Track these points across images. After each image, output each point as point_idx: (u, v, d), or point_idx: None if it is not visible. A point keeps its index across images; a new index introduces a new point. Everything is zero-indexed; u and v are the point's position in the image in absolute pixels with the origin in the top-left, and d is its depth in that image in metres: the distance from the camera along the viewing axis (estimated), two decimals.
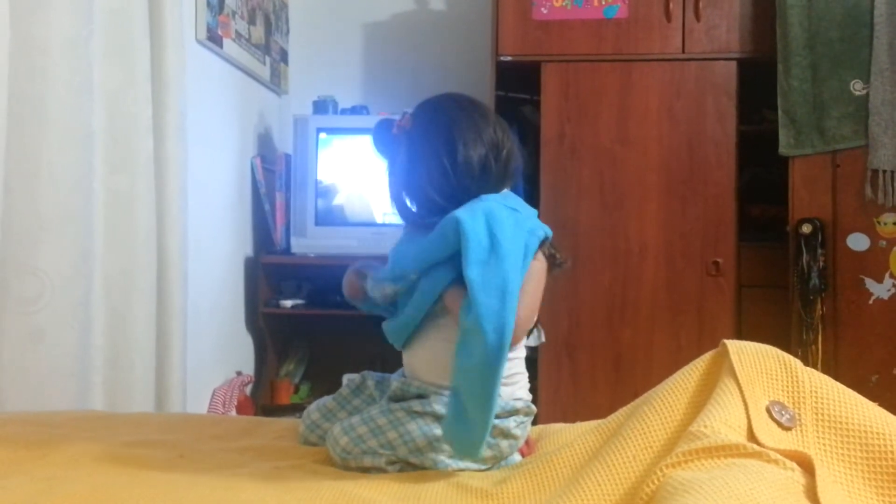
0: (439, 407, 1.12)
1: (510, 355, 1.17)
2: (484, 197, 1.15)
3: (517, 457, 1.21)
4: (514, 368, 1.19)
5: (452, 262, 1.11)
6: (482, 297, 1.02)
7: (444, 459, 1.12)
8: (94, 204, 1.77)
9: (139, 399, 1.88)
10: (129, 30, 1.87)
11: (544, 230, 1.18)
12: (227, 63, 2.59)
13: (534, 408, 1.21)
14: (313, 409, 1.26)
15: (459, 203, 1.14)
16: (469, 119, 1.19)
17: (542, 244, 1.16)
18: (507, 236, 1.08)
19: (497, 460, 1.16)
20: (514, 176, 1.22)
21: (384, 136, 1.24)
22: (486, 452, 1.13)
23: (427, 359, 1.18)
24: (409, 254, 1.18)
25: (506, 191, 1.21)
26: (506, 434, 1.15)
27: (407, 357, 1.22)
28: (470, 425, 1.04)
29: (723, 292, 2.50)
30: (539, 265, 1.15)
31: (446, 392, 1.14)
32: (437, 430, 1.11)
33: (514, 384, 1.19)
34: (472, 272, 1.05)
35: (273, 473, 1.07)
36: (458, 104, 1.22)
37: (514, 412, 1.16)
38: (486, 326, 1.01)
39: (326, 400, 1.27)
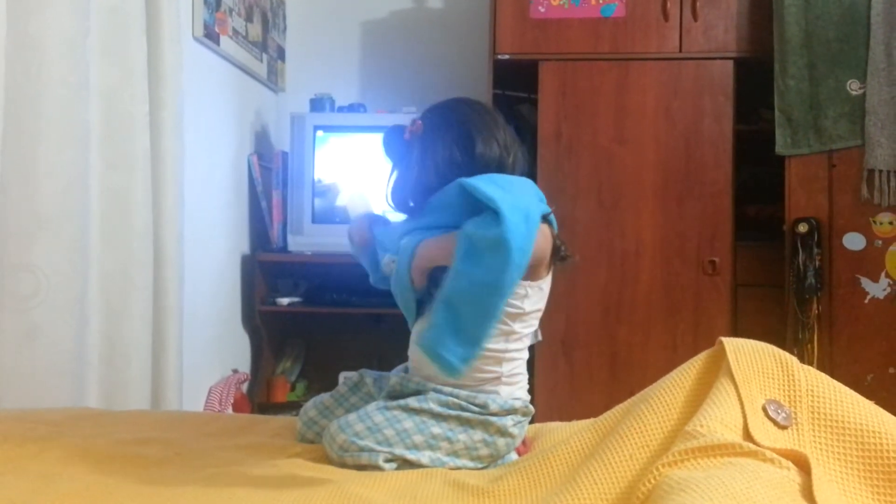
0: (435, 404, 1.12)
1: (514, 355, 1.18)
2: None
3: (514, 455, 1.21)
4: (516, 368, 1.19)
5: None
6: (509, 213, 0.99)
7: (441, 457, 1.12)
8: (91, 201, 1.76)
9: (135, 396, 1.87)
10: (126, 27, 1.86)
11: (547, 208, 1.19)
12: (223, 60, 2.58)
13: (532, 408, 1.21)
14: (310, 407, 1.26)
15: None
16: (481, 119, 1.20)
17: (544, 218, 1.14)
18: (516, 184, 1.11)
19: (494, 459, 1.16)
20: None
21: (395, 141, 1.24)
22: (482, 451, 1.14)
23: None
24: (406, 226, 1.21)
25: None
26: (503, 432, 1.15)
27: (412, 347, 1.22)
28: (462, 338, 1.01)
29: (719, 291, 2.51)
30: (545, 228, 1.13)
31: (447, 389, 1.14)
32: (435, 428, 1.11)
33: (515, 384, 1.19)
34: (495, 194, 1.02)
35: (269, 471, 1.07)
36: (469, 107, 1.24)
37: (512, 411, 1.16)
38: (513, 242, 0.98)
39: (324, 397, 1.28)
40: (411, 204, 1.22)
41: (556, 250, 1.18)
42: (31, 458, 1.09)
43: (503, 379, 1.17)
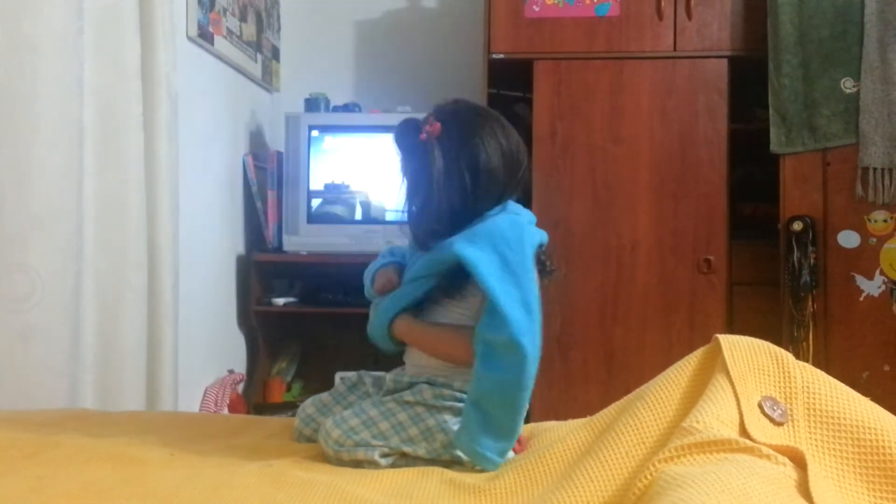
0: (429, 395, 1.13)
1: None
2: (487, 214, 1.17)
3: (509, 454, 1.21)
4: None
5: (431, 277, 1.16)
6: (511, 311, 1.06)
7: (437, 448, 1.12)
8: (85, 201, 1.75)
9: (130, 397, 1.87)
10: (120, 27, 1.86)
11: (541, 236, 1.20)
12: (218, 60, 2.58)
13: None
14: (308, 404, 1.27)
15: (472, 216, 1.17)
16: (493, 136, 1.19)
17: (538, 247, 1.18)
18: (516, 253, 1.11)
19: None
20: (523, 186, 1.24)
21: (409, 136, 1.22)
22: None
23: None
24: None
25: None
26: None
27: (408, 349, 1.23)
28: (496, 434, 1.08)
29: (714, 290, 2.51)
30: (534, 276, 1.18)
31: (440, 380, 1.14)
32: (430, 420, 1.12)
33: None
34: (493, 287, 1.07)
35: (265, 471, 1.06)
36: (483, 118, 1.22)
37: None
38: (523, 340, 1.06)
39: (322, 395, 1.28)
40: (437, 229, 1.19)
41: (541, 267, 1.19)
42: (27, 459, 1.09)
43: None
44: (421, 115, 1.24)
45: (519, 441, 1.24)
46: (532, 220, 1.23)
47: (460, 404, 1.13)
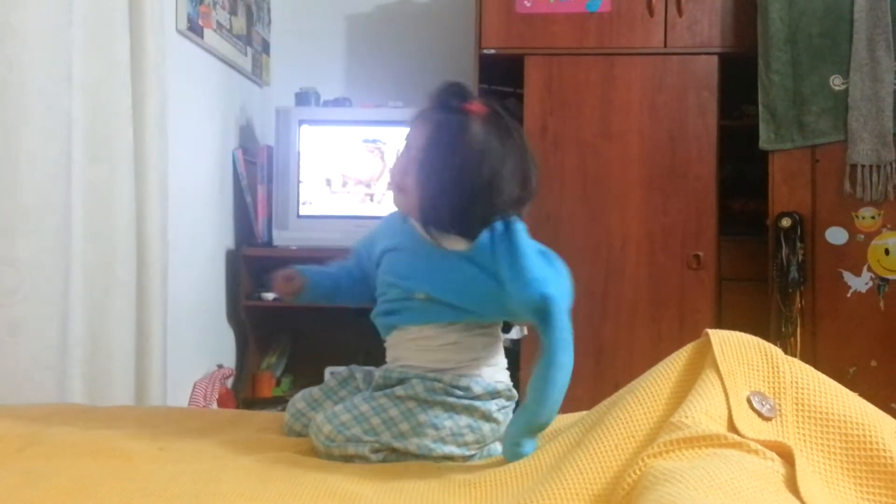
0: (421, 390, 1.13)
1: (492, 337, 1.18)
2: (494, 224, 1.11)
3: (498, 446, 1.21)
4: (495, 351, 1.20)
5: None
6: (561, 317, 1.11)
7: (428, 443, 1.12)
8: (74, 195, 1.74)
9: (119, 392, 1.86)
10: (109, 19, 1.84)
11: None
12: (207, 54, 2.57)
13: (515, 393, 1.22)
14: (299, 399, 1.26)
15: (483, 218, 1.10)
16: (529, 146, 1.18)
17: None
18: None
19: (480, 445, 1.16)
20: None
21: (455, 100, 1.12)
22: (468, 437, 1.14)
23: (416, 340, 1.18)
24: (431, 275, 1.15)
25: None
26: (487, 417, 1.15)
27: (393, 343, 1.22)
28: (540, 421, 1.10)
29: (703, 285, 2.53)
30: None
31: (430, 374, 1.14)
32: (421, 415, 1.11)
33: (495, 366, 1.20)
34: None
35: (254, 466, 1.06)
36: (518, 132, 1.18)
37: (495, 394, 1.17)
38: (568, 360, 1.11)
39: (313, 390, 1.27)
40: (449, 217, 1.11)
41: None
42: (15, 454, 1.08)
43: (483, 361, 1.17)
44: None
45: None
46: None
47: (451, 399, 1.13)
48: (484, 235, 1.09)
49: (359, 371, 1.28)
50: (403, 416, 1.12)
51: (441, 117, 1.12)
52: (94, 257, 1.82)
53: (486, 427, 1.16)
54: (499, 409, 1.17)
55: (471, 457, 1.16)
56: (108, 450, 1.10)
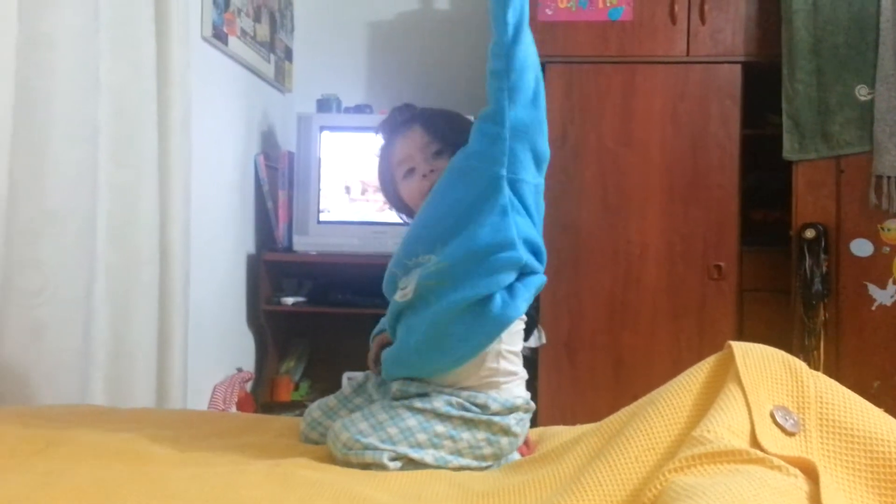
0: (440, 404, 1.13)
1: (509, 352, 1.17)
2: None
3: (516, 455, 1.21)
4: (514, 366, 1.19)
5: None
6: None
7: (445, 455, 1.12)
8: (98, 198, 1.77)
9: (140, 394, 1.88)
10: (136, 26, 1.87)
11: None
12: (231, 60, 2.59)
13: (533, 405, 1.21)
14: (314, 408, 1.26)
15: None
16: None
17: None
18: None
19: (497, 458, 1.16)
20: None
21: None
22: (486, 450, 1.14)
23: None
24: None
25: None
26: (506, 431, 1.15)
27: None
28: None
29: (724, 296, 2.50)
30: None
31: (447, 390, 1.14)
32: (439, 427, 1.11)
33: (513, 381, 1.19)
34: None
35: (274, 471, 1.06)
36: None
37: (514, 409, 1.16)
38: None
39: (328, 399, 1.28)
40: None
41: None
42: (37, 454, 1.09)
43: (501, 377, 1.17)
44: None
45: (527, 443, 1.24)
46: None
47: (469, 413, 1.13)
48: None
49: (374, 378, 1.28)
50: (421, 427, 1.11)
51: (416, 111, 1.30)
52: (118, 260, 1.84)
53: (505, 440, 1.15)
54: (517, 423, 1.17)
55: (487, 467, 1.16)
56: (129, 452, 1.11)
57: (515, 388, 1.19)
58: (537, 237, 1.16)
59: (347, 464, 1.12)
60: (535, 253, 1.15)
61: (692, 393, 0.98)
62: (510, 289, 1.13)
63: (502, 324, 1.13)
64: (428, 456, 1.11)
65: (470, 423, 1.13)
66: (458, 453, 1.12)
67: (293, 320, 2.91)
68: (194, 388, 2.22)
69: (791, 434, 0.90)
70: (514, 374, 1.19)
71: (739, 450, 0.85)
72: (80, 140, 1.66)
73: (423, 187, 1.23)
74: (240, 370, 2.62)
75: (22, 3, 1.50)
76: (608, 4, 2.57)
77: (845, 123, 2.36)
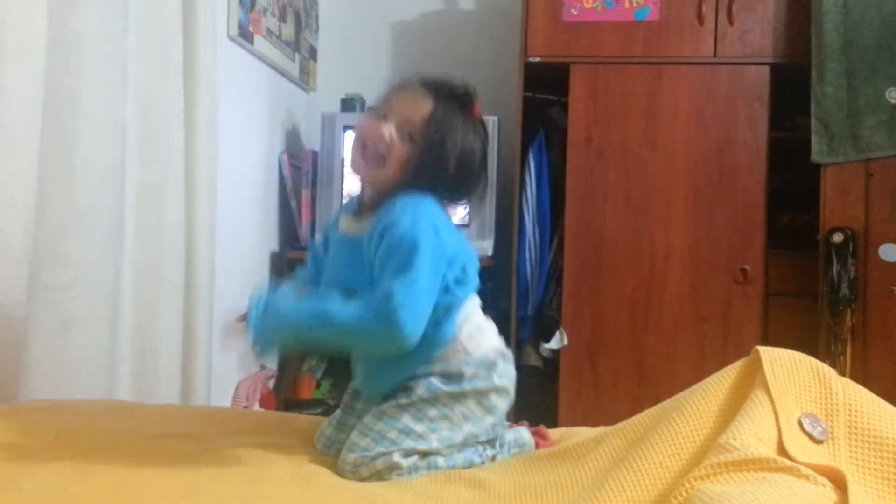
0: (422, 391, 1.12)
1: (468, 313, 1.16)
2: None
3: (524, 434, 1.22)
4: (474, 324, 1.17)
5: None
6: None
7: (448, 434, 1.11)
8: (126, 195, 1.79)
9: (165, 390, 1.90)
10: (163, 25, 1.89)
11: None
12: (257, 59, 2.61)
13: (509, 353, 1.19)
14: (325, 427, 1.24)
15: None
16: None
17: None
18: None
19: (498, 417, 1.15)
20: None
21: (457, 101, 1.19)
22: (481, 414, 1.13)
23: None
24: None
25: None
26: (494, 390, 1.14)
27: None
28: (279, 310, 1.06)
29: (750, 300, 2.47)
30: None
31: (421, 370, 1.13)
32: (431, 411, 1.11)
33: (481, 337, 1.16)
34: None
35: (296, 471, 1.07)
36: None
37: (491, 365, 1.14)
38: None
39: (336, 413, 1.26)
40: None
41: None
42: (64, 448, 1.11)
43: (466, 342, 1.14)
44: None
45: (543, 436, 1.24)
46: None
47: (450, 388, 1.12)
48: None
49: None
50: (415, 419, 1.11)
51: (451, 102, 1.17)
52: (144, 257, 1.86)
53: (494, 397, 1.14)
54: (500, 376, 1.15)
55: (495, 439, 1.16)
56: (155, 449, 1.12)
57: (485, 343, 1.16)
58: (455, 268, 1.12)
59: (362, 481, 1.11)
60: (458, 280, 1.13)
61: (718, 398, 0.97)
62: (436, 322, 1.11)
63: (436, 349, 1.12)
64: (433, 441, 1.11)
65: (455, 397, 1.12)
66: (458, 427, 1.12)
67: None
68: (218, 385, 2.24)
69: (819, 442, 0.89)
70: (479, 329, 1.17)
71: (766, 458, 0.84)
72: (108, 138, 1.68)
73: (372, 141, 1.15)
74: (263, 367, 2.64)
75: (51, 1, 1.52)
76: (634, 4, 2.55)
77: (875, 126, 2.32)
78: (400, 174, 1.14)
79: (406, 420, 1.11)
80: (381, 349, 1.10)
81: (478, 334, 1.16)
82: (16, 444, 1.10)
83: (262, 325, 1.07)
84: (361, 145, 1.18)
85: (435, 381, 1.12)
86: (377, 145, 1.15)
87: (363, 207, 1.21)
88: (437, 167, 1.12)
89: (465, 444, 1.13)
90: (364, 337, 1.08)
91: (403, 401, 1.13)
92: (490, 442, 1.18)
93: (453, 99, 1.18)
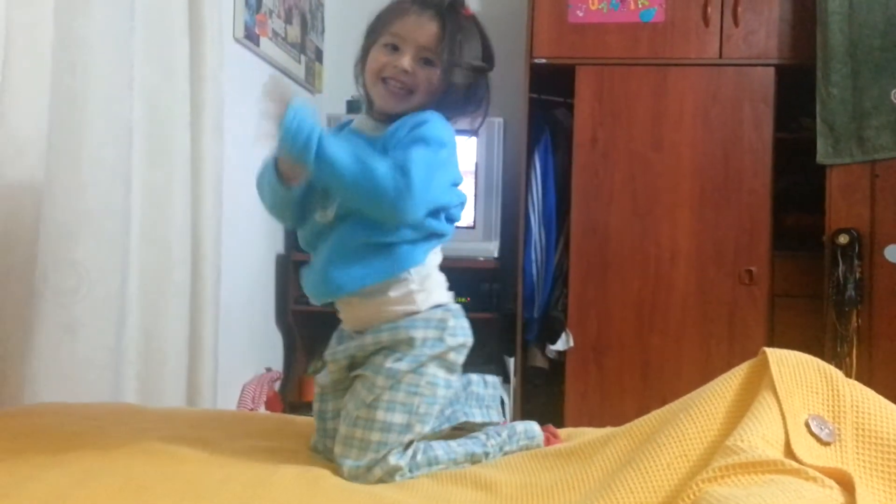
0: (382, 381, 1.10)
1: (422, 264, 1.14)
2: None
3: (534, 426, 1.23)
4: (434, 272, 1.16)
5: None
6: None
7: (430, 398, 1.10)
8: (132, 198, 1.79)
9: (171, 393, 1.90)
10: (169, 27, 1.89)
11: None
12: (262, 61, 2.61)
13: (458, 308, 1.17)
14: (313, 444, 1.23)
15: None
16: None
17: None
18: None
19: (454, 352, 1.14)
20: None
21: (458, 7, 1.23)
22: (453, 378, 1.14)
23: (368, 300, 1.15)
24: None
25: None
26: (453, 349, 1.13)
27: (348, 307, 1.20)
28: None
29: (755, 301, 2.47)
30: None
31: (374, 327, 1.12)
32: (399, 395, 1.09)
33: (435, 286, 1.16)
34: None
35: (303, 473, 1.07)
36: None
37: (442, 325, 1.13)
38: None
39: (315, 423, 1.25)
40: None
41: None
42: (70, 451, 1.11)
43: (418, 287, 1.13)
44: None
45: (553, 433, 1.24)
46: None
47: (406, 364, 1.10)
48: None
49: (327, 375, 1.26)
50: (389, 410, 1.09)
51: (450, 12, 1.21)
52: (151, 260, 1.86)
53: (453, 356, 1.14)
54: (453, 333, 1.13)
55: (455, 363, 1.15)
56: (161, 452, 1.12)
57: (435, 294, 1.15)
58: (448, 196, 1.14)
59: (369, 480, 1.10)
60: (446, 208, 1.14)
61: (726, 400, 0.97)
62: (413, 242, 1.12)
63: (400, 268, 1.12)
64: (416, 426, 1.09)
65: (415, 371, 1.11)
66: (431, 397, 1.11)
67: (322, 320, 2.91)
68: (224, 387, 2.25)
69: (826, 444, 0.89)
70: (434, 282, 1.16)
71: (774, 460, 0.84)
72: (115, 140, 1.68)
73: (394, 76, 1.17)
74: (269, 370, 2.64)
75: (57, 4, 1.53)
76: (640, 6, 2.55)
77: (880, 127, 2.32)
78: (428, 97, 1.17)
79: (380, 416, 1.09)
80: (385, 205, 1.05)
81: (430, 284, 1.15)
82: (22, 448, 1.11)
83: (296, 127, 1.09)
84: (382, 80, 1.19)
85: (391, 365, 1.10)
86: (401, 79, 1.17)
87: (377, 115, 1.23)
88: (460, 80, 1.19)
89: (485, 467, 1.11)
90: (375, 183, 1.04)
91: (369, 398, 1.10)
92: (486, 431, 1.18)
93: (450, 8, 1.21)
